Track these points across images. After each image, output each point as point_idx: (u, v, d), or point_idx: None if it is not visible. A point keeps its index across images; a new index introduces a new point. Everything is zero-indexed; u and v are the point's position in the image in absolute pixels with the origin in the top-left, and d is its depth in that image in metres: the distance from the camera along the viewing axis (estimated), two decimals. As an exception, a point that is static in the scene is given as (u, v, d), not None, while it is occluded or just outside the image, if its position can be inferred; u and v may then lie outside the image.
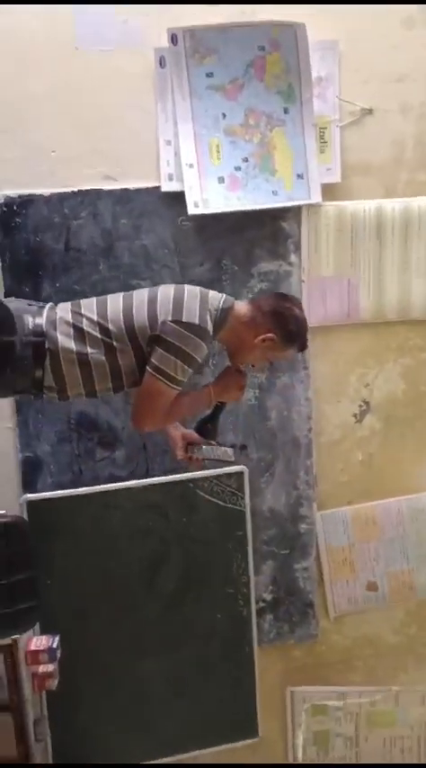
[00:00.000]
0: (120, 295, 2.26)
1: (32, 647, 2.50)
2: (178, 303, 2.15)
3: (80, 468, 2.76)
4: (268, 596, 2.95)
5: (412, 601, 3.07)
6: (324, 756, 3.07)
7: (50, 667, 2.50)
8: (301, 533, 2.94)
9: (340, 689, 3.06)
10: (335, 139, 2.71)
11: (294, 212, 2.73)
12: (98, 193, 2.63)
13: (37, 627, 2.57)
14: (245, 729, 2.96)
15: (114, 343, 2.15)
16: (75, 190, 2.62)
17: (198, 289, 2.23)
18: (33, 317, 2.15)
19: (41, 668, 2.49)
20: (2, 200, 2.58)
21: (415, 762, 3.13)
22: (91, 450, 2.76)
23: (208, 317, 2.17)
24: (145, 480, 2.74)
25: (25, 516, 2.59)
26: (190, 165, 2.59)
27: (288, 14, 2.57)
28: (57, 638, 2.53)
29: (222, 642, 2.88)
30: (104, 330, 2.15)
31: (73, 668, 2.63)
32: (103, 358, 2.14)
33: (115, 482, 2.74)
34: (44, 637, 2.54)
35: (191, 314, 2.13)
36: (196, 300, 2.17)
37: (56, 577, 2.67)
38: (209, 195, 2.60)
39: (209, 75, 2.58)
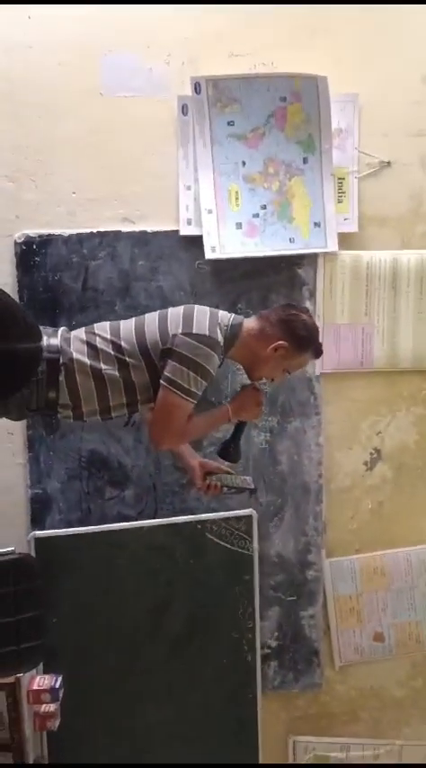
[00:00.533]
0: (133, 318, 2.29)
1: (35, 687, 2.48)
2: (188, 317, 2.18)
3: (89, 506, 2.76)
4: (273, 643, 2.93)
5: (419, 653, 3.03)
6: (325, 809, 3.02)
7: (52, 707, 2.48)
8: (308, 580, 2.92)
9: (343, 740, 3.02)
10: (353, 190, 2.75)
11: (310, 260, 2.76)
12: (117, 235, 2.67)
13: (40, 667, 2.55)
14: (247, 778, 2.92)
15: (127, 359, 2.17)
16: (95, 231, 2.67)
17: (207, 307, 2.26)
18: (49, 337, 2.17)
19: (43, 708, 2.48)
20: (22, 239, 2.62)
21: None
22: (100, 489, 2.76)
23: (218, 330, 2.19)
24: (153, 521, 2.74)
25: (33, 553, 2.59)
26: (209, 211, 2.63)
27: (309, 66, 2.63)
28: (60, 679, 2.51)
29: (226, 688, 2.85)
30: (117, 347, 2.18)
31: (75, 709, 2.60)
32: (117, 374, 2.16)
33: (123, 521, 2.74)
34: (47, 676, 2.52)
35: (201, 326, 2.16)
36: (206, 315, 2.20)
37: (61, 616, 2.65)
38: (227, 240, 2.64)
39: (231, 123, 2.63)
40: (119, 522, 2.74)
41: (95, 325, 2.27)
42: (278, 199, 2.67)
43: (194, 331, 2.15)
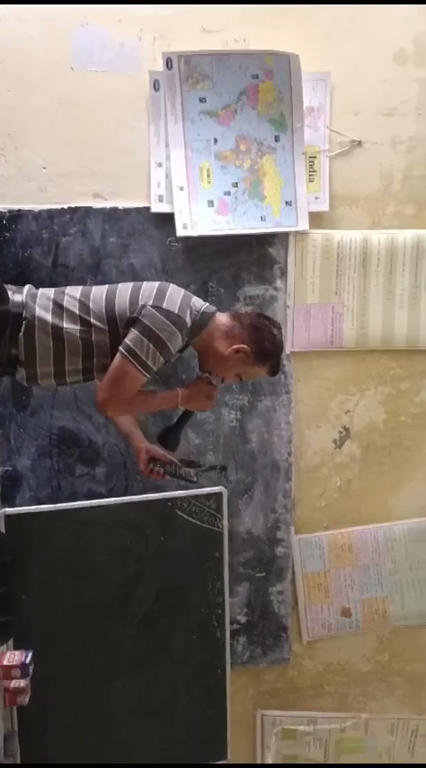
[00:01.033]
0: (107, 285, 2.29)
1: (5, 662, 2.47)
2: (161, 291, 2.18)
3: (59, 483, 2.76)
4: (242, 618, 2.96)
5: (385, 629, 3.08)
6: (292, 781, 3.07)
7: (22, 683, 2.47)
8: (277, 557, 2.95)
9: (310, 714, 3.07)
10: (324, 169, 2.75)
11: (281, 238, 2.76)
12: (88, 211, 2.65)
13: (10, 642, 2.55)
14: (215, 751, 2.94)
15: (92, 321, 2.16)
16: (65, 207, 2.64)
17: (183, 289, 2.27)
18: (13, 293, 2.18)
19: (13, 683, 2.47)
20: (-8, 214, 2.60)
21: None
22: (71, 466, 2.76)
23: (188, 313, 2.19)
24: (123, 498, 2.74)
25: (2, 530, 2.58)
26: (181, 188, 2.62)
27: (282, 44, 2.62)
28: (30, 654, 2.51)
29: (195, 663, 2.87)
30: (84, 307, 2.17)
31: (45, 685, 2.60)
32: (78, 335, 2.15)
33: (94, 499, 2.74)
34: (17, 652, 2.51)
35: (172, 303, 2.16)
36: (179, 294, 2.20)
37: (31, 593, 2.65)
38: (198, 218, 2.64)
39: (203, 100, 2.62)
40: (90, 499, 2.74)
41: (67, 286, 2.28)
42: (249, 177, 2.67)
43: (164, 306, 2.15)
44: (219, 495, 2.80)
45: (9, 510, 2.65)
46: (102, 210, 2.65)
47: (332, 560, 3.00)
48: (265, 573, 2.95)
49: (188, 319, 2.19)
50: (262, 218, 2.68)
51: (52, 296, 2.20)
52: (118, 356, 2.14)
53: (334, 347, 2.88)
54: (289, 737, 3.05)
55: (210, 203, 2.64)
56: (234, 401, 2.82)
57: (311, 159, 2.74)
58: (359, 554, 3.01)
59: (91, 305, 2.18)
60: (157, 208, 2.66)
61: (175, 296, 2.19)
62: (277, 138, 2.68)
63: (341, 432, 2.97)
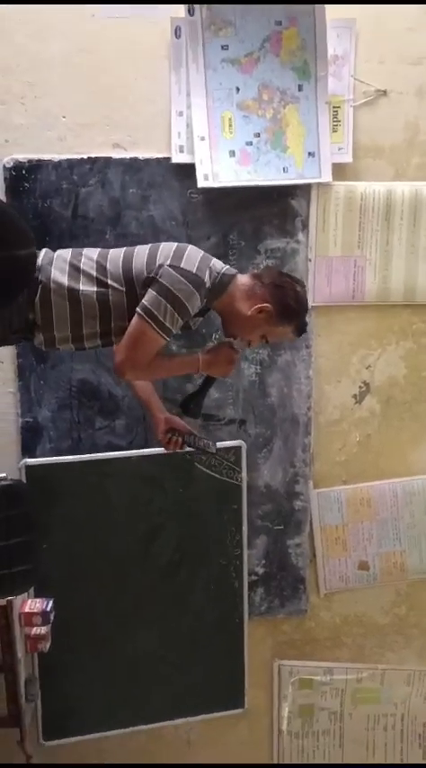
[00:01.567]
0: (125, 247, 2.22)
1: (26, 610, 2.53)
2: (179, 251, 2.12)
3: (79, 435, 2.77)
4: (260, 570, 2.98)
5: (403, 582, 3.10)
6: (309, 728, 3.12)
7: (43, 630, 2.54)
8: (296, 510, 2.96)
9: (327, 664, 3.11)
10: (348, 119, 2.70)
11: (303, 190, 2.73)
12: (107, 161, 2.63)
13: (31, 590, 2.60)
14: (233, 700, 3.01)
15: (108, 281, 2.10)
16: (85, 157, 2.62)
17: (202, 251, 2.19)
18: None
19: (34, 630, 2.54)
20: (11, 165, 2.57)
21: (398, 739, 3.18)
22: (90, 419, 2.77)
23: (207, 273, 2.12)
24: (143, 450, 2.76)
25: (24, 480, 2.61)
26: (202, 138, 2.58)
27: (306, -10, 2.56)
28: (50, 602, 2.57)
29: (214, 613, 2.92)
30: (101, 268, 2.12)
31: (65, 632, 2.67)
32: (94, 297, 2.10)
33: (113, 451, 2.76)
34: (38, 600, 2.58)
35: (190, 263, 2.09)
36: (198, 254, 2.14)
37: (52, 542, 2.70)
38: (220, 169, 2.60)
39: (225, 47, 2.57)
40: (110, 451, 2.76)
41: (85, 248, 2.22)
42: (272, 127, 2.62)
43: (182, 265, 2.08)
44: (239, 448, 2.82)
45: (30, 461, 2.68)
46: (121, 161, 2.63)
47: (350, 514, 3.01)
48: (283, 526, 2.97)
49: (206, 279, 2.12)
50: (285, 170, 2.65)
51: (69, 258, 2.13)
52: (135, 317, 2.08)
53: (356, 301, 2.86)
54: (306, 687, 3.10)
55: (232, 153, 2.61)
56: (253, 355, 2.81)
57: (335, 109, 2.68)
58: (377, 508, 3.02)
59: (108, 266, 2.12)
60: (178, 158, 2.63)
61: (194, 256, 2.12)
62: (300, 87, 2.63)
63: (361, 387, 2.96)
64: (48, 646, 2.57)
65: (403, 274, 2.84)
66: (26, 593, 2.57)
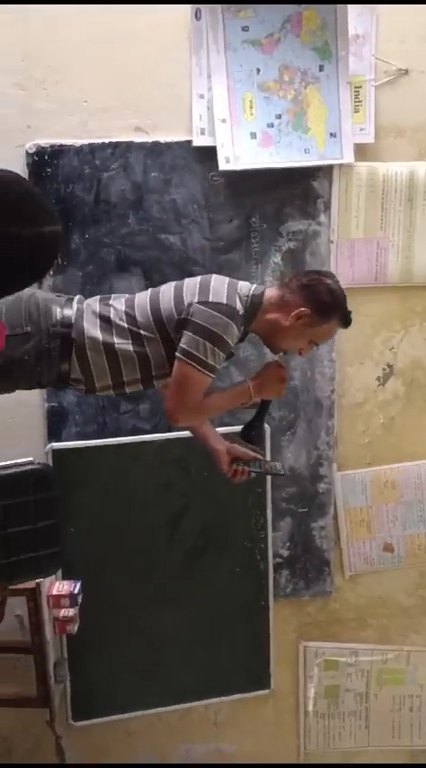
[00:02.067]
0: (149, 290, 2.18)
1: (54, 592, 2.56)
2: (204, 286, 2.06)
3: (104, 419, 2.79)
4: (285, 552, 2.99)
5: (428, 564, 3.11)
6: (335, 710, 3.14)
7: (71, 612, 2.57)
8: (320, 493, 2.97)
9: (352, 646, 3.12)
10: (370, 99, 2.68)
11: (325, 171, 2.72)
12: (129, 146, 2.63)
13: (59, 573, 2.63)
14: (259, 681, 3.04)
15: (142, 332, 2.05)
16: (106, 141, 2.62)
17: (226, 277, 2.14)
18: (62, 308, 2.07)
19: (63, 612, 2.57)
20: (34, 150, 2.58)
21: (424, 720, 3.19)
22: (115, 403, 2.78)
23: (237, 299, 2.06)
24: (168, 434, 2.77)
25: (50, 464, 2.63)
26: (223, 120, 2.58)
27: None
28: (78, 584, 2.60)
29: (239, 595, 2.94)
30: (131, 319, 2.07)
31: (93, 614, 2.69)
32: (131, 348, 2.05)
33: (138, 435, 2.77)
34: (66, 582, 2.61)
35: (218, 294, 2.04)
36: (223, 284, 2.08)
37: (78, 525, 2.72)
38: (241, 151, 2.60)
39: (245, 29, 2.56)
40: (135, 435, 2.77)
41: (112, 295, 2.19)
42: (293, 108, 2.61)
43: (210, 299, 2.02)
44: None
45: (56, 445, 2.70)
46: (143, 145, 2.63)
47: (374, 496, 3.01)
48: (307, 508, 2.98)
49: (239, 307, 2.05)
50: (306, 151, 2.63)
51: (98, 309, 2.09)
52: (176, 362, 2.02)
53: (379, 283, 2.85)
54: (331, 668, 3.11)
55: (253, 135, 2.60)
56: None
57: (356, 89, 2.67)
58: (401, 490, 3.02)
59: (137, 315, 2.07)
60: (199, 141, 2.63)
61: (219, 287, 2.06)
62: (321, 68, 2.61)
63: (384, 369, 2.95)
64: (76, 627, 2.61)
65: (426, 255, 2.83)
66: (54, 576, 2.60)
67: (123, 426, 2.80)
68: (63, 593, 2.57)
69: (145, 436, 2.76)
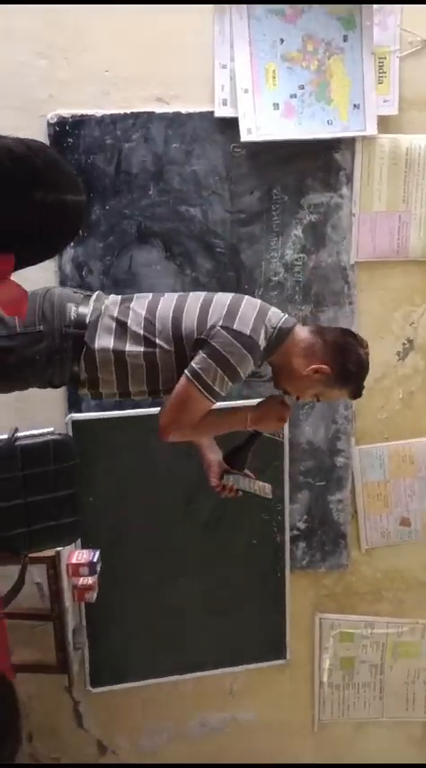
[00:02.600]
0: (176, 295, 2.11)
1: (74, 561, 2.60)
2: (232, 310, 1.99)
3: (124, 391, 2.79)
4: (302, 525, 3.01)
5: (444, 538, 3.11)
6: (349, 681, 3.17)
7: (90, 580, 2.60)
8: (337, 466, 2.98)
9: (368, 618, 3.14)
10: (394, 70, 2.65)
11: (347, 143, 2.70)
12: (150, 116, 2.61)
13: (78, 542, 2.66)
14: (275, 651, 3.07)
15: (157, 341, 1.99)
16: (128, 112, 2.60)
17: (259, 301, 2.07)
18: (77, 305, 2.03)
19: (81, 580, 2.60)
20: (55, 120, 2.57)
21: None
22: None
23: (263, 332, 1.99)
24: (187, 406, 2.77)
25: (70, 435, 2.65)
26: (246, 91, 2.56)
27: None
28: (97, 553, 2.63)
29: (256, 566, 2.97)
30: (150, 325, 2.01)
31: (112, 583, 2.73)
32: (142, 358, 2.00)
33: (157, 407, 2.77)
34: (85, 551, 2.64)
35: (244, 323, 1.96)
36: (253, 311, 2.00)
37: (98, 495, 2.75)
38: (263, 122, 2.58)
39: (269, -4, 2.53)
40: (153, 407, 2.77)
41: (136, 295, 2.12)
42: (316, 79, 2.59)
43: (235, 327, 1.95)
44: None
45: (76, 415, 2.71)
46: (165, 115, 2.61)
47: (392, 471, 3.02)
48: (325, 482, 2.99)
49: (262, 340, 1.99)
50: (329, 122, 2.61)
51: (116, 313, 2.03)
52: (183, 379, 1.97)
53: (400, 257, 2.83)
54: (347, 640, 3.14)
55: (276, 106, 2.58)
56: (296, 312, 2.80)
57: (380, 60, 2.64)
58: (419, 465, 3.02)
59: (156, 323, 2.00)
60: (221, 112, 2.60)
61: (248, 313, 1.98)
62: (345, 38, 2.58)
63: (404, 343, 2.94)
64: (94, 596, 2.64)
65: (449, 229, 2.81)
66: (73, 545, 2.63)
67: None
68: (82, 561, 2.60)
69: (164, 408, 2.77)
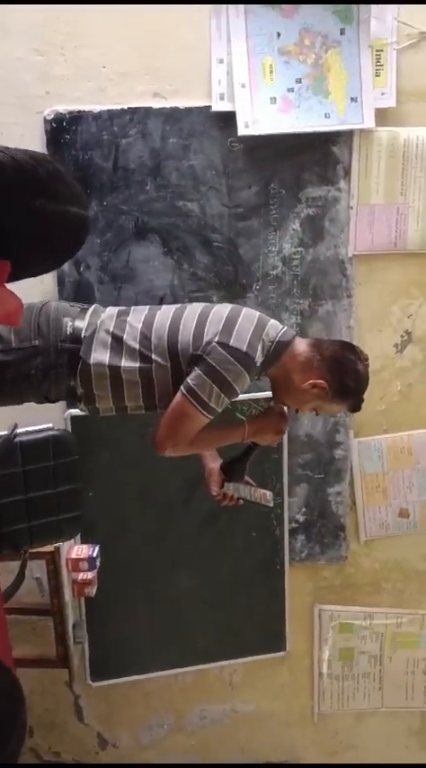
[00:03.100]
0: (174, 307, 2.09)
1: (73, 555, 2.60)
2: (229, 325, 1.97)
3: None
4: (301, 518, 3.02)
5: (443, 529, 3.13)
6: (349, 671, 3.19)
7: (90, 575, 2.61)
8: (336, 459, 2.99)
9: (367, 609, 3.15)
10: (391, 63, 2.65)
11: (345, 137, 2.69)
12: (148, 111, 2.61)
13: (78, 537, 2.66)
14: (274, 643, 3.09)
15: (152, 356, 1.99)
16: (125, 107, 2.60)
17: (257, 314, 2.05)
18: (73, 319, 2.02)
19: (81, 575, 2.61)
20: (52, 116, 2.57)
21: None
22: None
23: (260, 347, 1.98)
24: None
25: (69, 430, 2.66)
26: (243, 85, 2.55)
27: None
28: (96, 548, 2.63)
29: (255, 559, 2.98)
30: (145, 339, 2.00)
31: (111, 577, 2.73)
32: (137, 374, 1.99)
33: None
34: (85, 546, 2.64)
35: (240, 339, 1.95)
36: (250, 325, 1.98)
37: (96, 490, 2.76)
38: (261, 116, 2.57)
39: (266, -9, 2.52)
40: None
41: (133, 308, 2.11)
42: (313, 72, 2.58)
43: (231, 343, 1.94)
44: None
45: (74, 411, 2.71)
46: (162, 110, 2.61)
47: (390, 463, 3.03)
48: (324, 474, 3.00)
49: (258, 356, 1.97)
50: (327, 116, 2.61)
51: (112, 327, 2.01)
52: (178, 395, 1.96)
53: (398, 249, 2.83)
54: (346, 631, 3.15)
55: (273, 100, 2.57)
56: (294, 305, 2.81)
57: (378, 53, 2.63)
58: (417, 456, 3.03)
59: (152, 337, 1.99)
60: (218, 106, 2.60)
61: (245, 328, 1.97)
62: (342, 31, 2.58)
63: (402, 336, 2.94)
64: (94, 590, 2.65)
65: (447, 222, 2.81)
66: (73, 540, 2.64)
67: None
68: (82, 556, 2.60)
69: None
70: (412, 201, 2.77)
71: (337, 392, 2.06)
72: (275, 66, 2.56)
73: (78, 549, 2.64)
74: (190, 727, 3.20)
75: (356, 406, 2.15)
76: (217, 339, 1.95)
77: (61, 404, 2.70)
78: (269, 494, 2.35)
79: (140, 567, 2.88)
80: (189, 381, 1.95)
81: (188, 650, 3.01)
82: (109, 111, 2.59)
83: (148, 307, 2.11)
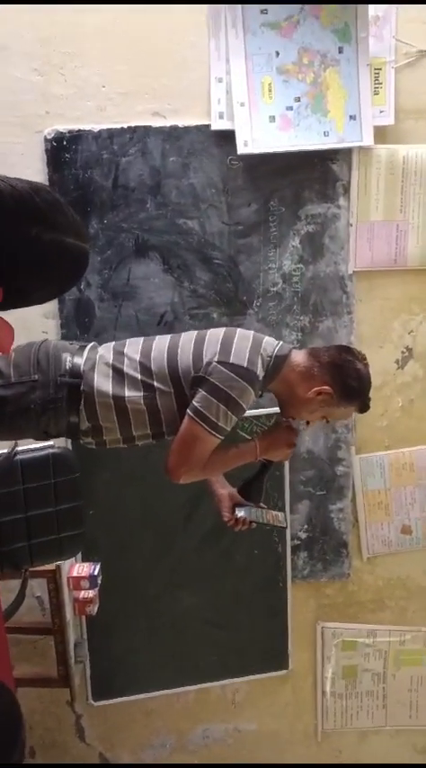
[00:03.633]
0: (169, 336, 2.10)
1: (74, 574, 2.60)
2: (226, 344, 1.98)
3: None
4: (303, 535, 3.01)
5: (446, 546, 3.12)
6: (352, 690, 3.17)
7: (91, 593, 2.60)
8: (338, 475, 2.98)
9: (370, 627, 3.14)
10: (390, 81, 2.66)
11: (344, 154, 2.70)
12: (147, 130, 2.62)
13: (79, 555, 2.66)
14: (277, 661, 3.07)
15: (154, 384, 1.99)
16: (125, 126, 2.61)
17: (251, 332, 2.06)
18: (72, 356, 2.03)
19: (82, 594, 2.60)
20: (52, 136, 2.58)
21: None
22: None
23: (259, 362, 1.98)
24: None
25: (70, 448, 2.65)
26: (242, 104, 2.57)
27: None
28: (98, 566, 2.62)
29: (257, 577, 2.97)
30: (145, 369, 2.00)
31: (113, 596, 2.73)
32: (142, 403, 1.99)
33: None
34: (86, 564, 2.64)
35: (240, 356, 1.95)
36: (246, 343, 1.99)
37: (98, 508, 2.76)
38: (260, 134, 2.58)
39: (264, 11, 2.53)
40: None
41: (128, 341, 2.10)
42: (312, 91, 2.59)
43: (231, 360, 1.94)
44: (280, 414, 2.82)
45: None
46: (161, 129, 2.62)
47: (392, 479, 3.02)
48: (326, 491, 2.99)
49: (259, 371, 1.97)
50: (325, 134, 2.62)
51: (111, 360, 2.02)
52: (186, 419, 1.95)
53: (398, 266, 2.84)
54: (349, 648, 3.14)
55: (272, 119, 2.59)
56: (295, 322, 2.82)
57: (376, 71, 2.65)
58: (420, 473, 3.02)
59: (152, 366, 2.00)
60: (218, 125, 2.62)
61: (242, 346, 1.97)
62: (341, 50, 2.59)
63: (403, 352, 2.94)
64: (95, 609, 2.63)
65: (446, 238, 2.82)
66: (74, 558, 2.63)
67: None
68: (83, 574, 2.60)
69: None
70: (411, 218, 2.78)
71: (342, 395, 2.05)
72: (274, 84, 2.58)
73: (79, 568, 2.63)
74: (192, 747, 3.18)
75: (363, 407, 2.13)
76: (216, 358, 1.95)
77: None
78: (281, 514, 2.32)
79: (142, 585, 2.88)
80: (195, 404, 1.94)
81: (190, 669, 3.00)
82: (109, 129, 2.60)
83: (142, 338, 2.11)
